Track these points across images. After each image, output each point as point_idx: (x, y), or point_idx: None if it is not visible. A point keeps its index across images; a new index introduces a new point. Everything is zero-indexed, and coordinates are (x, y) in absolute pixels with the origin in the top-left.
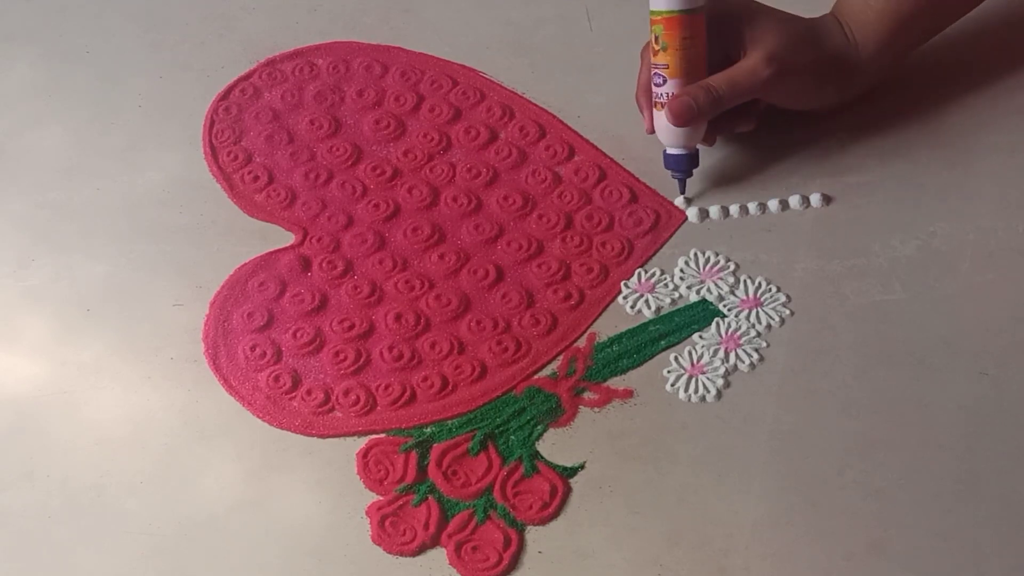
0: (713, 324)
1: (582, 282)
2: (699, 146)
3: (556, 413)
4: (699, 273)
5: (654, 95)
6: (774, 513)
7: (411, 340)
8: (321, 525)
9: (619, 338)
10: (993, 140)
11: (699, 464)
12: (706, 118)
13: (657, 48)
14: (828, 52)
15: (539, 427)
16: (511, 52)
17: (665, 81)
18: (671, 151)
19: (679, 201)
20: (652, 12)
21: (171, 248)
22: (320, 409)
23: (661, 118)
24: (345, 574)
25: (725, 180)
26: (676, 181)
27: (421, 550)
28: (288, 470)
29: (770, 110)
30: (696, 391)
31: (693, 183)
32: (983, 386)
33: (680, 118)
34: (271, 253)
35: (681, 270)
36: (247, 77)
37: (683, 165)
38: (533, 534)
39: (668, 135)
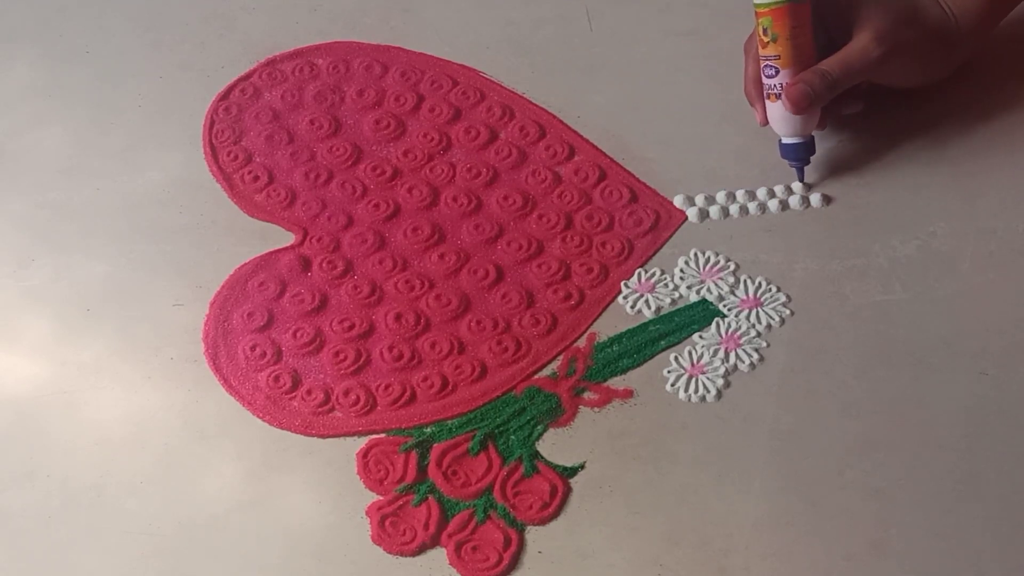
0: (713, 324)
1: (582, 282)
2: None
3: (556, 413)
4: (699, 273)
5: (766, 87)
6: (774, 513)
7: (411, 340)
8: (321, 525)
9: (619, 338)
10: (993, 139)
11: (699, 464)
12: (823, 103)
13: (766, 40)
14: (930, 27)
15: (539, 427)
16: (511, 52)
17: (778, 72)
18: (787, 140)
19: (796, 187)
20: (758, 5)
21: (171, 248)
22: (320, 409)
23: (775, 108)
24: (345, 574)
25: (725, 168)
26: (795, 170)
27: (421, 550)
28: (288, 470)
29: (874, 90)
30: (696, 391)
31: (809, 170)
32: (983, 386)
33: (798, 105)
34: (271, 253)
35: (681, 270)
36: (247, 77)
37: (801, 153)
38: (533, 534)
39: (784, 125)
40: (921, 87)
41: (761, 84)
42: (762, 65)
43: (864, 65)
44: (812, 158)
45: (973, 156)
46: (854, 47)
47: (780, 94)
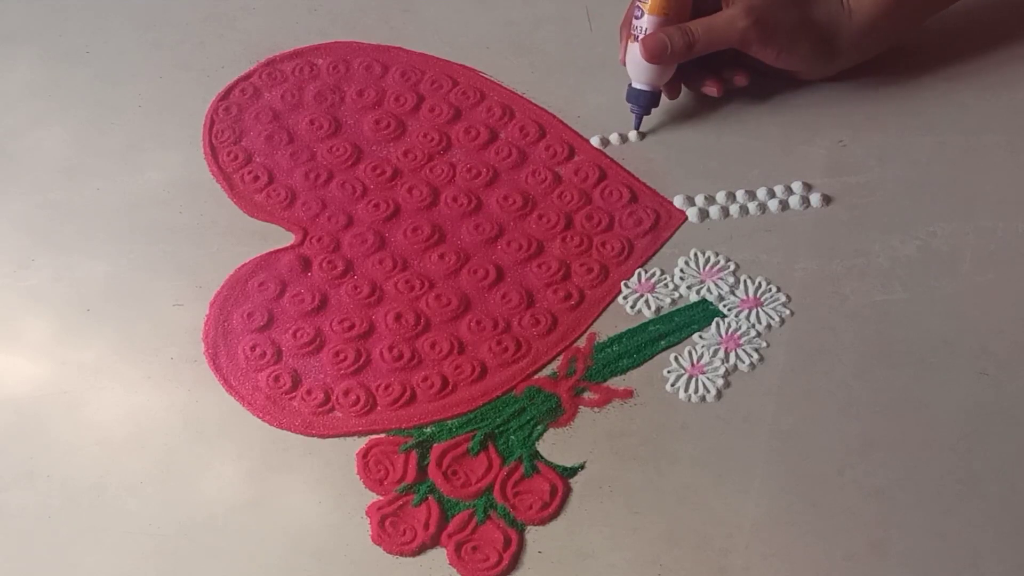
0: (713, 324)
1: (582, 282)
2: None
3: (556, 413)
4: (699, 273)
5: (632, 27)
6: (774, 513)
7: (411, 340)
8: (321, 525)
9: (619, 338)
10: (993, 140)
11: (699, 464)
12: (678, 59)
13: None
14: (816, 14)
15: (539, 427)
16: (511, 52)
17: (643, 15)
18: (636, 85)
19: (632, 136)
20: None
21: (171, 248)
22: (320, 409)
23: (633, 50)
24: (345, 574)
25: (725, 168)
26: (634, 120)
27: (421, 550)
28: (288, 470)
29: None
30: (696, 391)
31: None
32: (983, 386)
33: (653, 55)
34: (271, 253)
35: (681, 270)
36: (247, 77)
37: (643, 101)
38: (533, 534)
39: (636, 69)
40: (804, 76)
41: (632, 24)
42: (633, 4)
43: (727, 34)
44: (654, 110)
45: (973, 156)
46: (723, 14)
47: (639, 37)
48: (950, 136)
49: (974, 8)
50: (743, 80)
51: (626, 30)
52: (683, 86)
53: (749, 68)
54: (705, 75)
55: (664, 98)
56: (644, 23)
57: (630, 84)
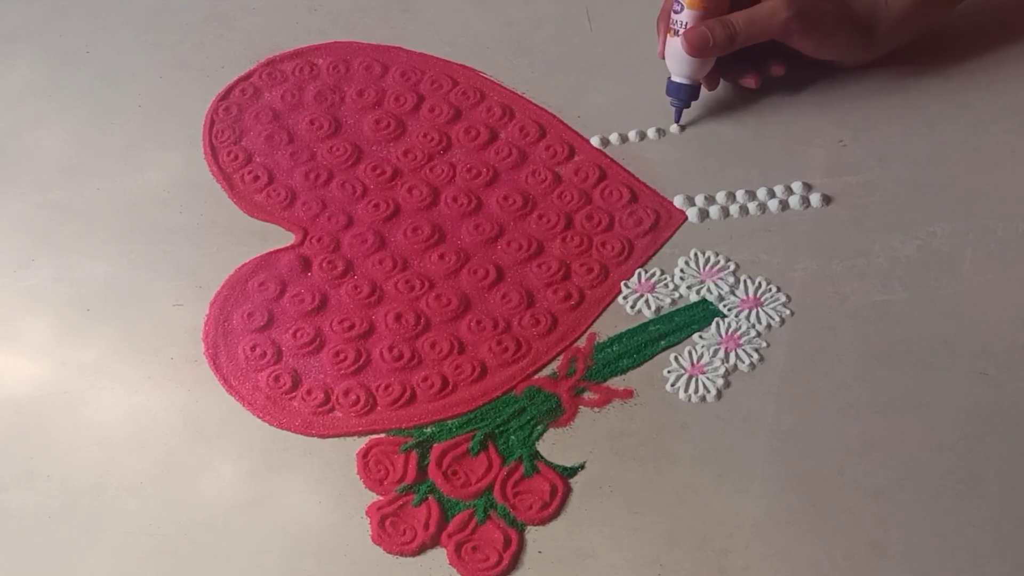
0: (713, 324)
1: (582, 282)
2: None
3: (556, 413)
4: (699, 273)
5: (671, 21)
6: (774, 513)
7: (411, 340)
8: (321, 525)
9: (619, 338)
10: (993, 140)
11: (699, 464)
12: (719, 52)
13: None
14: (854, 3)
15: (539, 427)
16: (511, 52)
17: (682, 9)
18: (676, 79)
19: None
20: None
21: (171, 248)
22: (320, 409)
23: (673, 44)
24: (345, 574)
25: (724, 168)
26: (674, 113)
27: (421, 550)
28: (288, 470)
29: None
30: (696, 391)
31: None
32: (983, 386)
33: (695, 48)
34: (271, 253)
35: (681, 270)
36: (247, 77)
37: (684, 95)
38: (533, 534)
39: (676, 63)
40: (841, 64)
41: (669, 18)
42: None
43: (769, 25)
44: (693, 104)
45: (973, 156)
46: (764, 6)
47: (679, 31)
48: (950, 136)
49: (974, 8)
50: (780, 70)
51: (664, 24)
52: (721, 79)
53: (785, 58)
54: (742, 67)
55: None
56: (684, 17)
57: (669, 78)
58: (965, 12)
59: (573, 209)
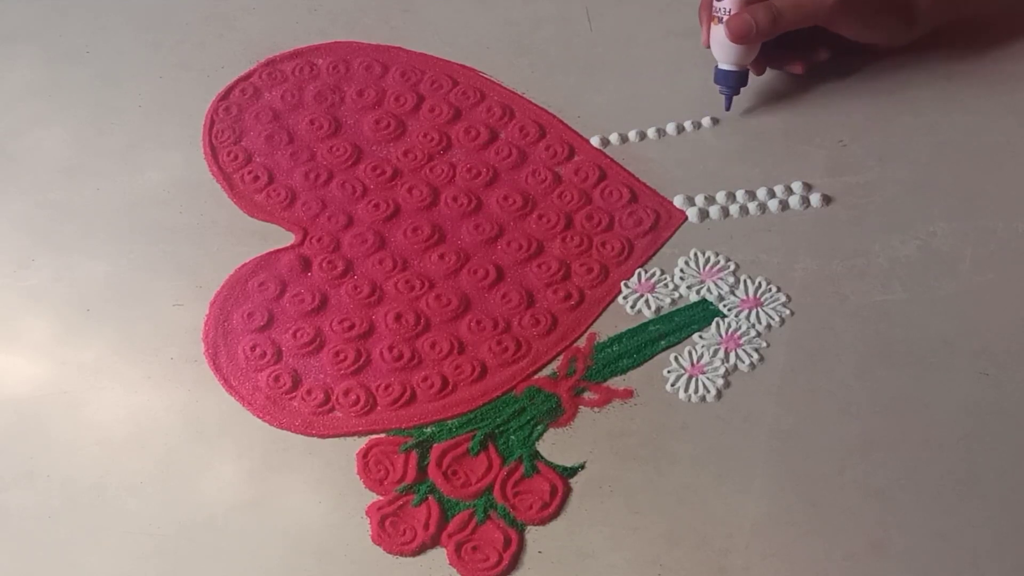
0: (713, 324)
1: (582, 282)
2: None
3: (556, 413)
4: (699, 273)
5: (713, 9)
6: (774, 513)
7: (411, 340)
8: (321, 525)
9: (619, 338)
10: (993, 139)
11: (699, 464)
12: (765, 37)
13: None
14: None
15: (539, 427)
16: (511, 52)
17: None
18: (723, 66)
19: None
20: None
21: (171, 248)
22: (320, 409)
23: (717, 32)
24: (345, 574)
25: (724, 168)
26: (724, 101)
27: (421, 550)
28: (288, 470)
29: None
30: (696, 391)
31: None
32: (983, 386)
33: (739, 35)
34: (271, 253)
35: (681, 270)
36: (247, 77)
37: (732, 82)
38: (533, 534)
39: (722, 51)
40: (883, 46)
41: (711, 6)
42: None
43: (815, 10)
44: (743, 90)
45: (973, 156)
46: None
47: (723, 19)
48: (950, 136)
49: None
50: (825, 55)
51: (706, 12)
52: (767, 66)
53: (828, 43)
54: (788, 53)
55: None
56: (727, 4)
57: (716, 66)
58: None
59: (573, 209)
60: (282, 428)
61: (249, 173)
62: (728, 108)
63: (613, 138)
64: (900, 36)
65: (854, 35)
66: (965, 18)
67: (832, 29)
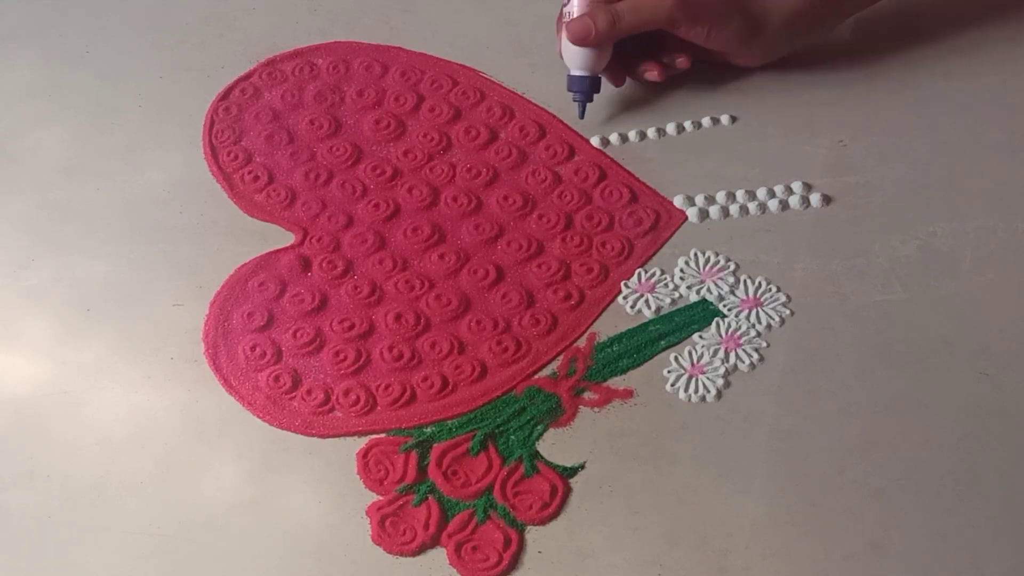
0: (713, 324)
1: (582, 282)
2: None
3: (556, 413)
4: (699, 273)
5: (563, 16)
6: (774, 513)
7: (411, 340)
8: (321, 525)
9: (619, 338)
10: (993, 140)
11: (699, 464)
12: (604, 40)
13: None
14: (739, 1)
15: (539, 427)
16: (511, 52)
17: (570, 0)
18: (573, 72)
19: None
20: None
21: (171, 248)
22: (320, 409)
23: (565, 38)
24: (345, 574)
25: (724, 168)
26: (578, 108)
27: (421, 550)
28: (288, 470)
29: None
30: (696, 391)
31: (596, 112)
32: (983, 386)
33: (577, 37)
34: (271, 253)
35: (681, 270)
36: (247, 77)
37: (582, 87)
38: (533, 534)
39: (569, 56)
40: (742, 61)
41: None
42: None
43: (655, 13)
44: (600, 99)
45: (973, 156)
46: None
47: (567, 23)
48: (950, 136)
49: (973, 8)
50: (685, 63)
51: (559, 21)
52: (627, 76)
53: (686, 51)
54: (645, 60)
55: (612, 88)
56: (573, 7)
57: (568, 73)
58: (965, 12)
59: (573, 209)
60: (282, 428)
61: (249, 173)
62: (582, 116)
63: (613, 138)
64: (749, 50)
65: (701, 40)
66: (897, 38)
67: (676, 33)
